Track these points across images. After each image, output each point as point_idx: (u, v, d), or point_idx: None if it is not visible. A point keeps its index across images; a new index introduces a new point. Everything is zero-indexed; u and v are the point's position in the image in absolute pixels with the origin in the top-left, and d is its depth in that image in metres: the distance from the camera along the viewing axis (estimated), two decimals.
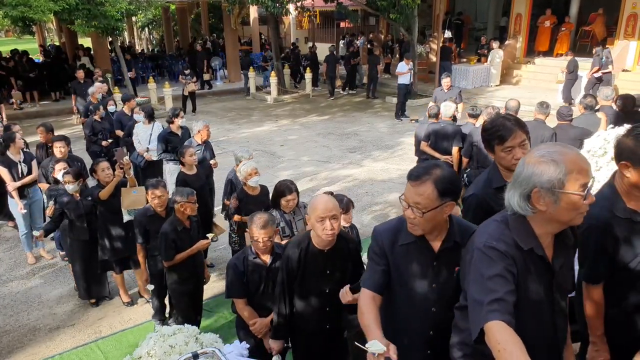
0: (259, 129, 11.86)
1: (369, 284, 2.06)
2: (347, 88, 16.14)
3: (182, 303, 4.10)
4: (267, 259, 3.11)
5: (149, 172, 6.59)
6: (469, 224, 2.09)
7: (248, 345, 2.89)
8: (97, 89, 8.35)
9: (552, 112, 5.55)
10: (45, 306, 4.95)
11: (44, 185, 5.49)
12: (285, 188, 3.84)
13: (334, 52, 15.40)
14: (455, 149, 5.80)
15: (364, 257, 3.53)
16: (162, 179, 4.74)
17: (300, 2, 15.03)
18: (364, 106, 14.26)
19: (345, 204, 3.52)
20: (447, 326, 2.02)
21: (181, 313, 4.06)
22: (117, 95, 12.02)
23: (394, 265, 2.04)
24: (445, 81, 8.70)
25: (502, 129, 2.38)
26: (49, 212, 4.83)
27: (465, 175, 5.65)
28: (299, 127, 12.04)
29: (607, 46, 12.98)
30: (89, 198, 4.61)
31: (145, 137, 6.68)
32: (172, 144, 6.14)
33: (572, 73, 11.93)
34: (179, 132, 6.28)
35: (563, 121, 5.29)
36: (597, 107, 5.58)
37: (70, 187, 4.51)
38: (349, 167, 8.88)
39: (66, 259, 5.44)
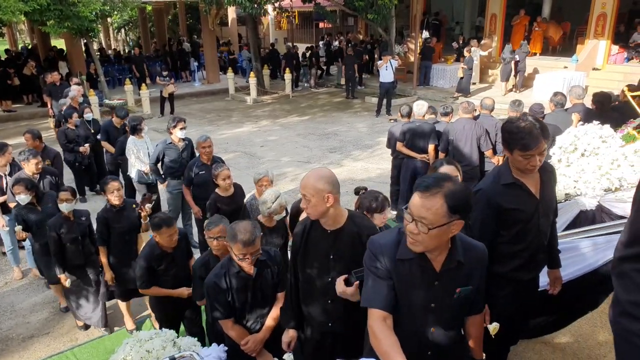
0: (239, 130, 11.79)
1: (377, 303, 1.85)
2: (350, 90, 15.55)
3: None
4: (251, 269, 2.74)
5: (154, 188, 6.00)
6: (472, 242, 1.96)
7: (226, 348, 2.87)
8: (77, 93, 8.10)
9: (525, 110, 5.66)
10: (18, 315, 4.82)
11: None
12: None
13: (352, 53, 14.98)
14: (431, 147, 5.86)
15: None
16: (165, 213, 3.92)
17: (278, 3, 15.00)
18: (343, 106, 14.30)
19: (380, 203, 3.07)
20: (445, 348, 1.95)
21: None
22: (93, 98, 11.83)
23: (395, 280, 1.88)
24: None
25: (528, 137, 2.31)
26: (18, 235, 4.41)
27: None
28: (279, 127, 12.01)
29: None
30: (83, 218, 4.24)
31: (144, 152, 5.94)
32: (170, 156, 5.51)
33: (470, 69, 13.73)
34: (180, 144, 5.54)
35: None
36: (567, 106, 5.70)
37: (68, 206, 4.07)
38: (329, 167, 8.87)
39: (38, 275, 5.24)
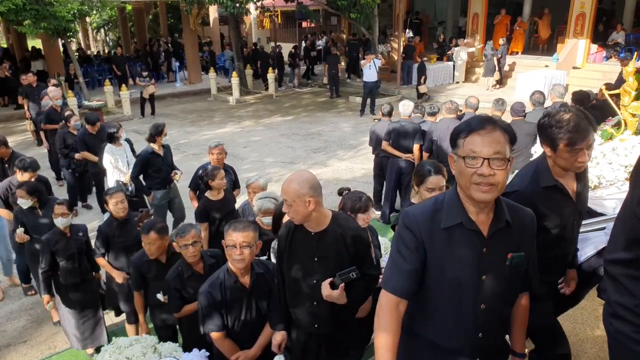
0: (221, 131, 11.68)
1: (393, 286, 1.69)
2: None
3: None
4: (247, 280, 2.63)
5: (140, 203, 5.64)
6: (516, 204, 1.77)
7: (208, 353, 2.81)
8: (58, 93, 7.88)
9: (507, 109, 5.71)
10: None
11: (2, 212, 4.83)
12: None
13: (336, 52, 14.97)
14: (416, 147, 5.87)
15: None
16: (162, 221, 3.65)
17: (260, 2, 14.91)
18: (327, 106, 14.28)
19: (364, 203, 2.99)
20: (497, 326, 1.77)
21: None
22: (71, 99, 11.59)
23: (433, 256, 1.68)
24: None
25: (576, 130, 2.07)
26: (19, 238, 4.30)
27: None
28: (263, 128, 11.93)
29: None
30: (80, 234, 4.01)
31: (123, 161, 5.66)
32: (155, 166, 5.28)
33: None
34: (161, 152, 5.34)
35: (517, 117, 5.44)
36: (547, 104, 5.76)
37: (64, 221, 3.83)
38: (313, 167, 8.85)
39: (30, 293, 5.02)
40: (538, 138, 2.45)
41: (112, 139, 5.62)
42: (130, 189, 5.51)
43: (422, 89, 13.35)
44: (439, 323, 1.75)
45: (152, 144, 5.28)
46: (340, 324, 2.51)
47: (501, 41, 14.06)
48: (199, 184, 4.73)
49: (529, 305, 1.92)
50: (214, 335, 2.68)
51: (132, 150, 6.00)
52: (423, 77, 13.37)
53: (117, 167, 5.63)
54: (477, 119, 1.65)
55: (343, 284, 2.24)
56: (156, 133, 5.24)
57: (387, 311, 1.68)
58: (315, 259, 2.38)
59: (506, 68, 14.43)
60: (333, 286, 2.25)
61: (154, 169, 5.29)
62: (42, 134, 8.04)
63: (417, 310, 1.77)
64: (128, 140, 6.04)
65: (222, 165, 4.84)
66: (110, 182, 5.71)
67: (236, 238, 2.49)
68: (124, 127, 5.75)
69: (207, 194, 4.38)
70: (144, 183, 5.42)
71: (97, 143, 6.24)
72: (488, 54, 13.69)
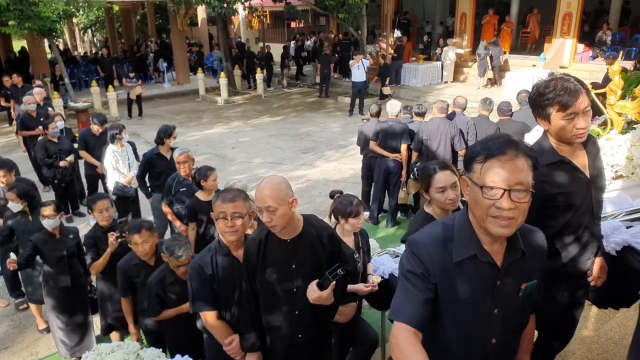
0: (209, 132, 11.58)
1: (408, 317, 1.50)
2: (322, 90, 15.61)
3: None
4: (241, 254, 2.45)
5: (139, 205, 5.58)
6: (527, 225, 1.61)
7: (191, 359, 2.75)
8: (37, 97, 7.69)
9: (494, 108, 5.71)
10: None
11: None
12: None
13: (328, 52, 14.95)
14: (403, 147, 5.84)
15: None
16: (146, 219, 3.61)
17: (248, 2, 14.83)
18: (317, 106, 14.24)
19: (355, 207, 2.89)
20: (507, 358, 1.68)
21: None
22: (57, 100, 11.43)
23: (443, 290, 1.53)
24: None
25: (564, 92, 1.93)
26: (10, 266, 4.01)
27: (415, 168, 5.73)
28: (251, 128, 11.85)
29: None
30: (71, 236, 3.88)
31: (124, 163, 5.51)
32: (158, 168, 5.15)
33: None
34: (168, 155, 5.15)
35: (504, 116, 5.45)
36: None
37: (51, 223, 3.70)
38: (302, 168, 8.80)
39: (22, 307, 4.82)
40: (530, 127, 2.27)
41: (115, 139, 5.46)
42: (131, 191, 5.41)
43: (386, 90, 13.30)
44: (449, 354, 1.61)
45: (159, 146, 5.16)
46: (323, 329, 2.43)
47: (495, 41, 14.14)
48: (171, 196, 4.58)
49: (534, 326, 1.84)
50: (206, 315, 2.47)
51: (135, 154, 5.81)
52: (388, 79, 13.40)
53: (117, 168, 5.47)
54: (498, 142, 1.43)
55: (334, 283, 2.14)
56: (165, 135, 5.08)
57: (407, 340, 1.47)
58: (293, 266, 2.26)
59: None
60: (321, 287, 2.15)
61: (156, 171, 5.15)
62: (19, 139, 7.86)
63: (427, 343, 1.57)
64: (131, 143, 5.87)
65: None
66: (109, 183, 5.59)
67: (226, 209, 2.34)
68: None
69: (198, 194, 4.25)
70: (148, 184, 5.27)
71: (98, 145, 6.04)
72: (481, 53, 13.75)
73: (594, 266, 2.32)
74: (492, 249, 1.52)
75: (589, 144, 2.13)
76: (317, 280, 2.18)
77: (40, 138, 6.51)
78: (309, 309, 2.26)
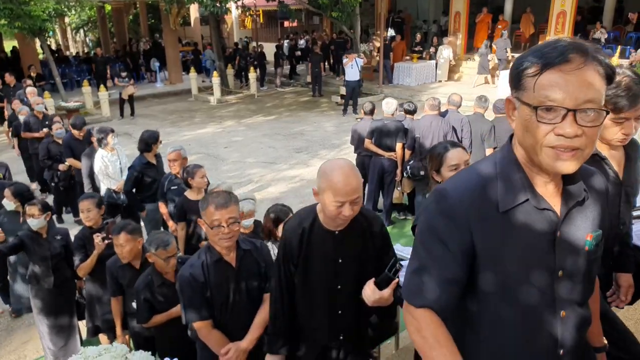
0: (202, 131, 11.49)
1: (428, 299, 1.18)
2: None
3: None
4: (233, 258, 2.35)
5: (133, 211, 5.28)
6: (584, 165, 1.20)
7: None
8: (31, 94, 7.61)
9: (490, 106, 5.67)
10: None
11: None
12: (283, 214, 3.19)
13: (318, 51, 14.90)
14: (398, 145, 5.79)
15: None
16: (130, 222, 3.48)
17: (240, 1, 14.74)
18: (310, 105, 14.17)
19: None
20: (581, 340, 1.27)
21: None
22: (48, 100, 11.29)
23: (486, 253, 1.17)
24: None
25: (626, 94, 1.67)
26: None
27: (408, 167, 5.68)
28: (244, 128, 11.77)
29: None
30: (58, 237, 3.80)
31: (116, 168, 5.26)
32: (149, 177, 4.88)
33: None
34: (155, 162, 4.97)
35: (499, 114, 5.41)
36: None
37: (35, 223, 3.61)
38: (295, 167, 8.74)
39: (14, 314, 4.71)
40: None
41: (101, 144, 5.23)
42: (122, 197, 5.21)
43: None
44: (499, 346, 1.23)
45: (145, 154, 4.88)
46: (365, 330, 2.23)
47: (502, 34, 14.07)
48: (165, 194, 4.53)
49: (599, 295, 1.51)
50: (199, 325, 2.34)
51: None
52: None
53: (107, 174, 5.21)
54: (559, 46, 1.06)
55: (396, 280, 1.84)
56: (153, 141, 4.84)
57: (429, 324, 1.17)
58: (340, 261, 2.03)
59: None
60: (379, 287, 1.85)
61: (148, 180, 4.88)
62: (14, 140, 7.69)
63: (459, 332, 1.25)
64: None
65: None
66: (101, 190, 5.35)
67: (220, 216, 2.21)
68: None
69: (187, 193, 4.15)
70: (137, 198, 4.99)
71: (83, 149, 5.86)
72: (483, 52, 13.71)
73: (620, 281, 2.07)
74: (545, 191, 1.17)
75: (631, 146, 1.91)
76: (373, 279, 1.89)
77: (45, 139, 6.44)
78: (353, 309, 2.08)
